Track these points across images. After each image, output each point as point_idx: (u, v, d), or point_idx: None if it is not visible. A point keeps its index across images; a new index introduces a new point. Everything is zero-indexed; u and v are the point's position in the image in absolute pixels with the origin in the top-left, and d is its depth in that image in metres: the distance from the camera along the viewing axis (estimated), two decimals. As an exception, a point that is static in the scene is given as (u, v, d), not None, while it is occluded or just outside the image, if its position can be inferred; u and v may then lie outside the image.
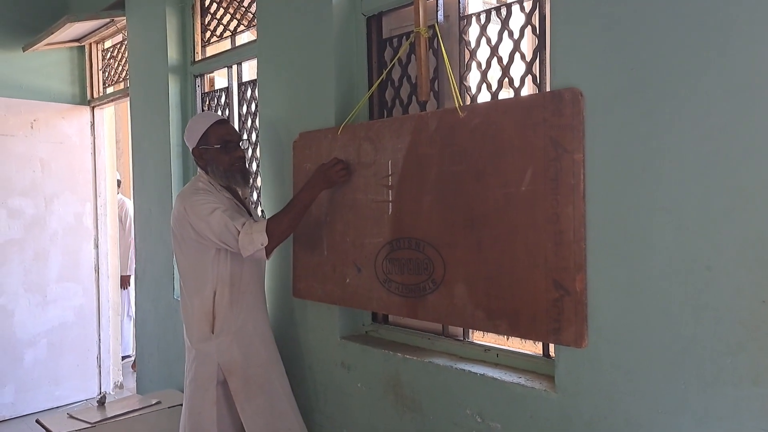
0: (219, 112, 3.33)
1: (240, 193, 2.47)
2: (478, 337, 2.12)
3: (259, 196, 2.92)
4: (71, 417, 2.97)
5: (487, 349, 2.02)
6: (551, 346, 1.88)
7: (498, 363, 1.97)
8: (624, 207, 1.53)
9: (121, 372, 4.90)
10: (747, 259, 1.34)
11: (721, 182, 1.38)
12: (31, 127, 4.42)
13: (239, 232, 2.15)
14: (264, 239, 2.13)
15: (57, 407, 4.45)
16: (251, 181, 2.44)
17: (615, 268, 1.56)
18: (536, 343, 1.93)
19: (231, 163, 2.34)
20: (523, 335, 1.79)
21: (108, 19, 4.02)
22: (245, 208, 2.44)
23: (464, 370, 1.93)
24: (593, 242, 1.60)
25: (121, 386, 4.85)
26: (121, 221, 5.57)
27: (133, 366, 4.91)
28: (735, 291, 1.36)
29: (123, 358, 5.25)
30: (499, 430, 1.83)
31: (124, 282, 5.50)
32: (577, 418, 1.64)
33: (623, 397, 1.55)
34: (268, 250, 2.16)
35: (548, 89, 1.81)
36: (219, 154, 2.34)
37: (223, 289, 2.32)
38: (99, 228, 4.71)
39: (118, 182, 5.55)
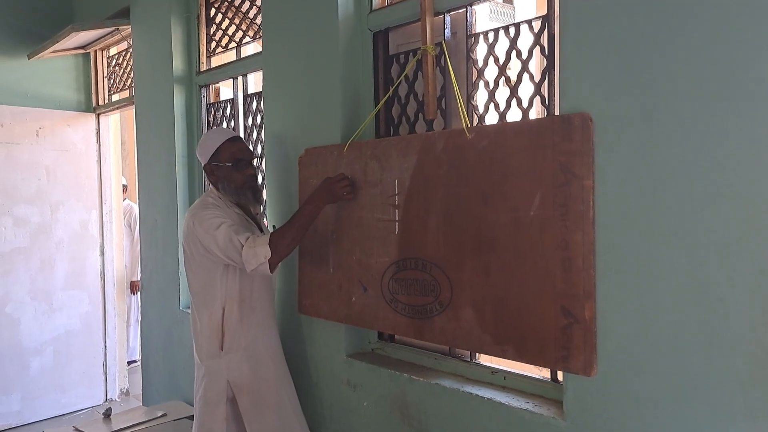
0: (224, 124, 3.33)
1: (251, 209, 2.45)
2: (486, 359, 2.11)
3: (264, 209, 2.91)
4: (77, 430, 2.98)
5: (495, 371, 2.01)
6: (560, 371, 1.86)
7: (505, 386, 1.96)
8: (634, 235, 1.51)
9: (127, 379, 4.90)
10: (761, 293, 1.32)
11: (734, 213, 1.35)
12: (37, 135, 4.42)
13: (243, 246, 2.13)
14: (267, 252, 2.11)
15: (63, 415, 4.47)
16: (262, 199, 2.42)
17: (625, 297, 1.54)
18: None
19: (243, 181, 2.33)
20: (531, 361, 1.77)
21: (113, 28, 4.01)
22: (256, 223, 2.43)
23: (471, 393, 1.92)
24: (603, 270, 1.58)
25: (127, 393, 4.86)
26: (130, 227, 5.59)
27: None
28: (748, 324, 1.34)
29: (129, 363, 5.27)
30: (506, 455, 1.82)
31: (134, 287, 5.51)
32: (586, 447, 1.63)
33: (633, 428, 1.53)
34: (272, 264, 2.14)
35: (557, 111, 1.80)
36: (230, 172, 2.32)
37: (232, 305, 2.31)
38: (104, 235, 4.71)
39: (124, 187, 5.56)
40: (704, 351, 1.40)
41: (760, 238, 1.32)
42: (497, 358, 2.06)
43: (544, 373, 1.92)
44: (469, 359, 2.11)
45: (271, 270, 2.15)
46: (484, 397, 1.88)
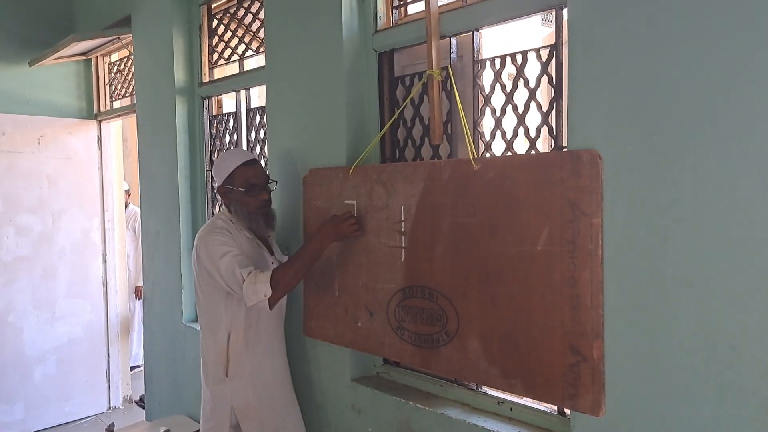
0: (227, 137, 3.30)
1: (263, 233, 2.43)
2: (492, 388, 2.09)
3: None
4: (81, 447, 2.97)
5: (501, 401, 2.00)
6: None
7: (511, 417, 1.95)
8: (644, 277, 1.50)
9: (130, 386, 4.90)
10: (773, 342, 1.30)
11: (747, 260, 1.34)
12: (38, 143, 4.40)
13: (244, 280, 2.12)
14: (267, 290, 2.10)
15: (67, 423, 4.47)
16: (274, 224, 2.40)
17: (634, 339, 1.52)
18: (551, 399, 1.90)
19: (255, 207, 2.31)
20: (539, 397, 1.76)
21: (114, 37, 3.98)
22: (267, 247, 2.41)
23: (477, 425, 1.91)
24: (611, 310, 1.56)
25: (131, 400, 4.86)
26: (135, 231, 5.57)
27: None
28: (760, 373, 1.32)
29: (133, 368, 5.27)
30: (513, 489, 1.81)
31: (138, 292, 5.51)
32: (594, 487, 1.62)
33: (642, 471, 1.52)
34: (272, 302, 2.13)
35: (565, 143, 1.78)
36: (244, 197, 2.30)
37: (238, 331, 2.30)
38: (107, 243, 4.70)
39: (127, 192, 5.54)
40: (715, 398, 1.39)
41: (773, 285, 1.30)
42: (503, 388, 2.05)
43: (551, 406, 1.90)
44: (475, 388, 2.10)
45: (270, 307, 2.14)
46: (490, 430, 1.87)
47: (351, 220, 2.18)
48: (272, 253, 2.41)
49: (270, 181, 2.39)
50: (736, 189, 1.35)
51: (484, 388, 2.08)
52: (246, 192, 2.29)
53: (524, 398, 1.97)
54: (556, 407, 1.88)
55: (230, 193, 2.32)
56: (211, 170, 3.34)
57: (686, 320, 1.43)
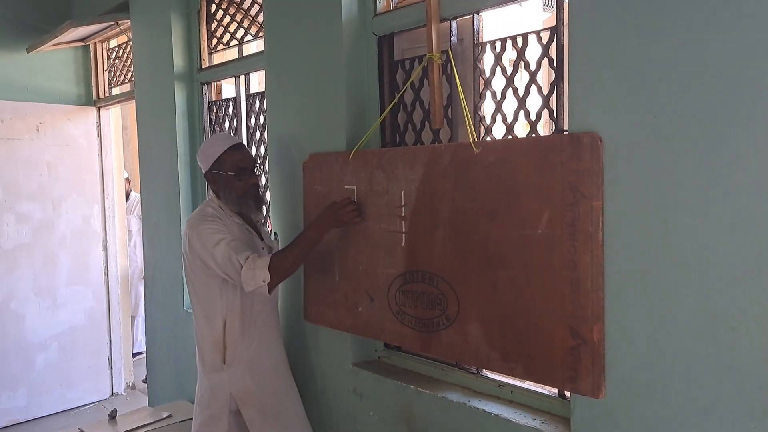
0: (227, 123, 3.29)
1: (253, 217, 2.43)
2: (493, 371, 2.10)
3: (268, 212, 2.89)
4: (83, 432, 2.99)
5: (502, 384, 2.00)
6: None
7: (512, 400, 1.96)
8: (644, 260, 1.49)
9: (132, 372, 4.93)
10: (773, 324, 1.30)
11: (747, 242, 1.33)
12: (37, 130, 4.39)
13: (242, 266, 2.12)
14: (266, 276, 2.09)
15: (70, 409, 4.50)
16: (264, 207, 2.40)
17: (634, 321, 1.52)
18: (551, 382, 1.91)
19: (244, 191, 2.30)
20: (539, 380, 1.77)
21: (112, 23, 3.96)
22: (257, 232, 2.41)
23: (478, 408, 1.92)
24: (612, 293, 1.56)
25: (133, 387, 4.89)
26: (139, 217, 5.57)
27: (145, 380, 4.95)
28: (761, 355, 1.33)
29: (136, 354, 5.30)
30: (513, 471, 1.82)
31: None
32: (594, 469, 1.63)
33: (642, 453, 1.53)
34: (271, 287, 2.13)
35: (565, 126, 1.77)
36: (232, 181, 2.29)
37: (233, 318, 2.30)
38: (107, 230, 4.70)
39: (127, 179, 5.54)
40: (715, 380, 1.39)
41: (773, 267, 1.30)
42: (504, 371, 2.06)
43: (552, 389, 1.91)
44: (475, 372, 2.10)
45: (270, 292, 2.14)
46: (490, 413, 1.88)
47: (351, 206, 2.18)
48: (262, 239, 2.41)
49: (257, 165, 2.39)
50: (736, 171, 1.34)
51: (485, 372, 2.09)
52: (235, 176, 2.29)
53: (525, 381, 1.97)
54: (556, 390, 1.88)
55: (219, 178, 2.31)
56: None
57: (686, 303, 1.43)
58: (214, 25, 3.36)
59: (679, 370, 1.45)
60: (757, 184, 1.31)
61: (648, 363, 1.50)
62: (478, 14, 2.04)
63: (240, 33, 3.17)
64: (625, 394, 1.55)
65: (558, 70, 1.83)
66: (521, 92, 1.93)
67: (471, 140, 1.86)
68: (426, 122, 2.23)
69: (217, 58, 3.39)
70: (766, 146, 1.30)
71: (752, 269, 1.33)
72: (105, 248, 4.69)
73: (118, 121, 4.85)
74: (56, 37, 3.99)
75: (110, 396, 4.71)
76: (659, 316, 1.48)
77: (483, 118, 2.06)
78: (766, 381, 1.32)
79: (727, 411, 1.38)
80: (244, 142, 3.14)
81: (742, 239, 1.34)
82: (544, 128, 1.95)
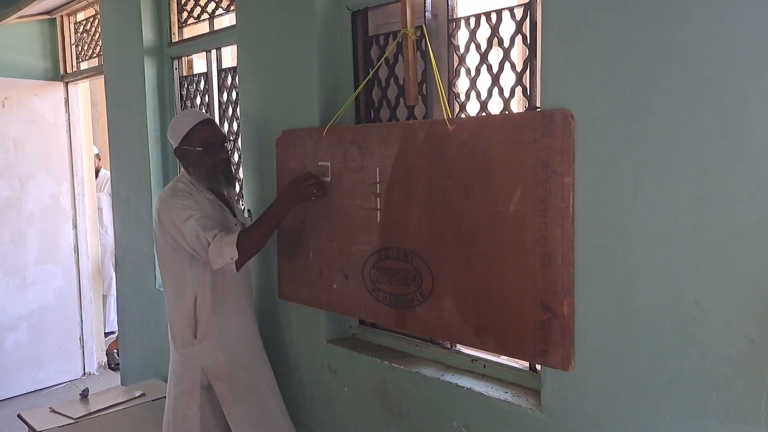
0: (198, 99, 3.24)
1: (225, 193, 2.41)
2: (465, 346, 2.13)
3: (241, 189, 2.87)
4: (54, 412, 2.96)
5: (475, 359, 2.03)
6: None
7: (485, 374, 1.99)
8: (613, 235, 1.52)
9: (104, 352, 4.89)
10: (736, 297, 1.34)
11: (713, 217, 1.36)
12: (3, 106, 4.29)
13: (210, 244, 2.11)
14: (234, 253, 2.10)
15: (41, 389, 4.45)
16: (236, 182, 2.38)
17: (603, 295, 1.55)
18: (523, 356, 1.94)
19: (214, 165, 2.29)
20: (511, 354, 1.80)
21: (79, -6, 3.86)
22: (229, 208, 2.39)
23: (451, 382, 1.94)
24: (582, 267, 1.59)
25: (106, 366, 4.85)
26: (109, 195, 5.48)
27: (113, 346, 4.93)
28: (723, 327, 1.36)
29: (109, 334, 5.24)
30: (485, 443, 1.86)
31: None
32: (563, 439, 1.67)
33: (608, 423, 1.57)
34: (238, 264, 2.14)
35: (538, 103, 1.78)
36: (201, 156, 2.28)
37: (204, 293, 2.29)
38: (77, 208, 4.62)
39: (97, 156, 5.43)
40: (679, 351, 1.43)
41: (738, 242, 1.33)
42: (477, 346, 2.09)
43: (523, 362, 1.94)
44: (449, 347, 2.13)
45: (237, 269, 2.15)
46: (463, 387, 1.91)
47: (311, 179, 2.18)
48: (234, 215, 2.40)
49: (227, 140, 2.38)
50: (703, 148, 1.37)
51: (458, 347, 2.11)
52: (204, 151, 2.27)
53: (498, 356, 2.01)
54: (527, 363, 1.92)
55: (188, 154, 2.30)
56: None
57: (653, 276, 1.46)
58: (184, -2, 3.29)
59: (645, 343, 1.48)
60: (724, 160, 1.34)
61: (616, 336, 1.54)
62: (452, -11, 2.03)
63: (211, 6, 3.11)
64: (593, 367, 1.59)
65: (531, 47, 1.83)
66: (495, 69, 1.93)
67: (445, 117, 1.86)
68: (401, 99, 2.22)
69: (188, 32, 3.33)
70: (734, 123, 1.32)
71: (717, 244, 1.36)
72: (75, 227, 4.62)
73: (86, 97, 4.75)
74: (20, 9, 3.87)
75: (82, 376, 4.67)
76: (627, 289, 1.51)
77: (457, 95, 2.06)
78: (729, 352, 1.36)
79: (690, 381, 1.42)
80: (216, 118, 3.10)
81: (708, 214, 1.37)
82: (517, 105, 1.97)
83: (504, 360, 1.99)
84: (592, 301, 1.58)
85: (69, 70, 4.56)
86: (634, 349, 1.51)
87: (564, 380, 1.65)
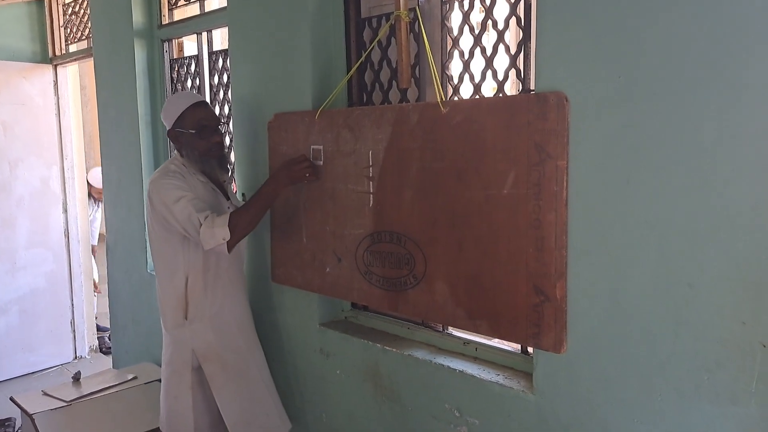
0: (189, 82, 3.21)
1: (218, 176, 2.39)
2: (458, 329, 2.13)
3: (233, 173, 2.85)
4: (46, 395, 2.96)
5: (467, 342, 2.04)
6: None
7: (477, 357, 1.99)
8: (607, 218, 1.52)
9: (96, 336, 4.88)
10: (729, 280, 1.35)
11: (706, 201, 1.36)
12: (-10, 88, 4.22)
13: (201, 224, 2.10)
14: (225, 234, 2.08)
15: (32, 373, 4.44)
16: (228, 166, 2.36)
17: (596, 279, 1.56)
18: (515, 339, 1.95)
19: (207, 149, 2.26)
20: (503, 337, 1.80)
21: (67, -25, 3.80)
22: (222, 191, 2.38)
23: (443, 365, 1.95)
24: (575, 251, 1.59)
25: (97, 350, 4.84)
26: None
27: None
28: (715, 310, 1.37)
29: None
30: (477, 425, 1.87)
31: None
32: (554, 421, 1.68)
33: (600, 405, 1.58)
34: (230, 245, 2.12)
35: (532, 86, 1.77)
36: (194, 139, 2.25)
37: (196, 274, 2.28)
38: (67, 192, 4.59)
39: None
40: (672, 334, 1.44)
41: (731, 226, 1.33)
42: (469, 329, 2.09)
43: (515, 345, 1.95)
44: (441, 330, 2.13)
45: (229, 251, 2.14)
46: (455, 369, 1.92)
47: (305, 162, 2.17)
48: (228, 198, 2.38)
49: (221, 123, 2.35)
50: (697, 132, 1.36)
51: (451, 330, 2.12)
52: (197, 134, 2.25)
53: (490, 339, 2.01)
54: (519, 346, 1.93)
55: (181, 136, 2.27)
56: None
57: (646, 260, 1.46)
58: (174, -21, 3.25)
59: (638, 326, 1.49)
60: (718, 144, 1.34)
61: (608, 319, 1.54)
62: (446, -29, 2.01)
63: (202, -12, 3.07)
64: (585, 349, 1.59)
65: (525, 29, 1.82)
66: (489, 51, 1.92)
67: (439, 100, 1.85)
68: (394, 81, 2.21)
69: (178, 14, 3.29)
70: (729, 107, 1.32)
71: (710, 227, 1.36)
72: (65, 210, 4.58)
73: (75, 80, 4.69)
74: (7, -11, 3.81)
75: (74, 359, 4.67)
76: (620, 273, 1.51)
77: (451, 78, 2.04)
78: (720, 335, 1.37)
79: (682, 364, 1.43)
80: (208, 101, 3.07)
81: (702, 198, 1.37)
82: (511, 88, 1.96)
83: (496, 343, 1.99)
84: (585, 285, 1.58)
85: (58, 53, 4.50)
86: (626, 332, 1.51)
87: (556, 363, 1.66)
